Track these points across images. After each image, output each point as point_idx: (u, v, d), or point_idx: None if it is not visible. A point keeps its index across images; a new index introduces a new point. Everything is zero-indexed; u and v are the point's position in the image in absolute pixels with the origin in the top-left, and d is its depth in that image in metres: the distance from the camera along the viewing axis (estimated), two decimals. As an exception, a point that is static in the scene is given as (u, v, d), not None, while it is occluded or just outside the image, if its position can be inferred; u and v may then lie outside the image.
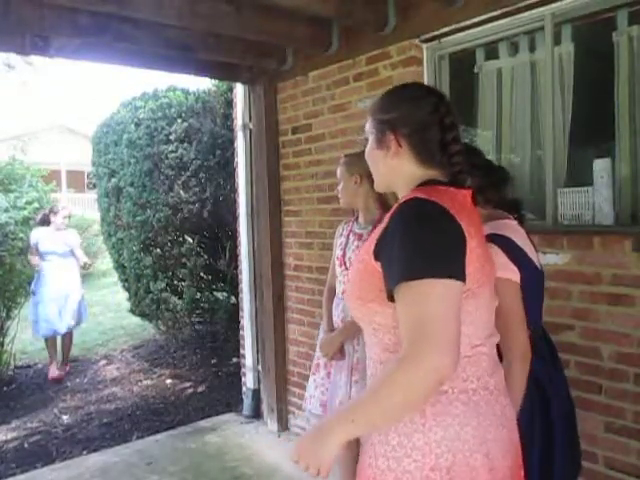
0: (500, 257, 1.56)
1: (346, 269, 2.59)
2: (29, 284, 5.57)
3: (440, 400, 1.17)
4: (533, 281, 1.70)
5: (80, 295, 5.67)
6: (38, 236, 5.44)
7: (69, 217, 5.73)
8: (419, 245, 1.13)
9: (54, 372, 5.42)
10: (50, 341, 5.59)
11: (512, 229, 1.71)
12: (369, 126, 1.38)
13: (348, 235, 2.65)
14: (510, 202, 1.84)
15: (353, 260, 2.48)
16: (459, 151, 1.31)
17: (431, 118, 1.29)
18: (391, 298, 1.16)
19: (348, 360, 2.56)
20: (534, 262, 1.73)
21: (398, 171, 1.33)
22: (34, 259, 5.40)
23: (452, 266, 1.13)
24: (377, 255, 1.21)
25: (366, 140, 1.40)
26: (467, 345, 1.20)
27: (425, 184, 1.27)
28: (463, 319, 1.17)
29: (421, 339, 1.07)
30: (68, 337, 5.67)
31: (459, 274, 1.13)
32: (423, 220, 1.16)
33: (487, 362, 1.24)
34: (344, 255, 2.62)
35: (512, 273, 1.58)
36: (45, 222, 5.55)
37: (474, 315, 1.22)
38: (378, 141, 1.34)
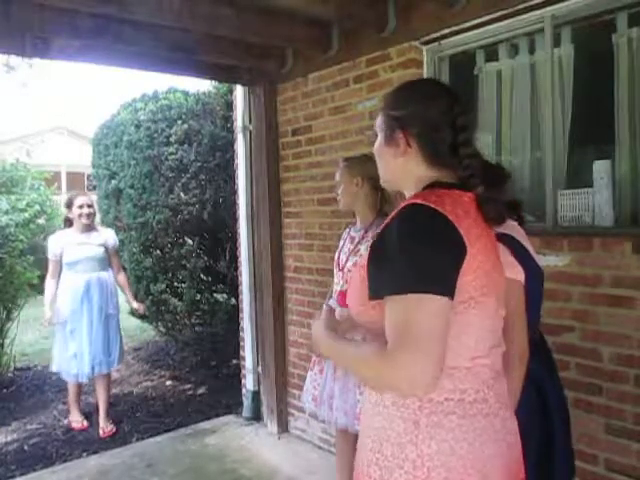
0: (507, 256, 1.51)
1: (340, 271, 2.66)
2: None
3: (435, 412, 1.14)
4: (535, 281, 1.69)
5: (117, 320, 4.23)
6: (60, 243, 4.04)
7: (92, 208, 4.11)
8: (408, 258, 1.09)
9: (77, 422, 4.21)
10: (74, 387, 4.20)
11: (515, 229, 1.71)
12: (379, 121, 1.33)
13: (346, 238, 2.73)
14: (510, 203, 1.84)
15: (352, 266, 2.51)
16: (471, 154, 1.25)
17: (443, 118, 1.24)
18: (372, 298, 1.17)
19: None
20: (536, 262, 1.73)
21: (406, 170, 1.29)
22: (48, 296, 4.02)
23: (439, 281, 1.09)
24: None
25: (375, 135, 1.35)
26: (467, 356, 1.16)
27: (429, 187, 1.23)
28: (464, 330, 1.15)
29: (404, 346, 1.05)
30: (104, 380, 4.20)
31: (445, 289, 1.09)
32: (415, 230, 1.11)
33: (488, 374, 1.20)
34: (339, 257, 2.70)
35: (518, 273, 1.54)
36: (67, 223, 4.18)
37: (477, 326, 1.17)
38: (387, 138, 1.30)
